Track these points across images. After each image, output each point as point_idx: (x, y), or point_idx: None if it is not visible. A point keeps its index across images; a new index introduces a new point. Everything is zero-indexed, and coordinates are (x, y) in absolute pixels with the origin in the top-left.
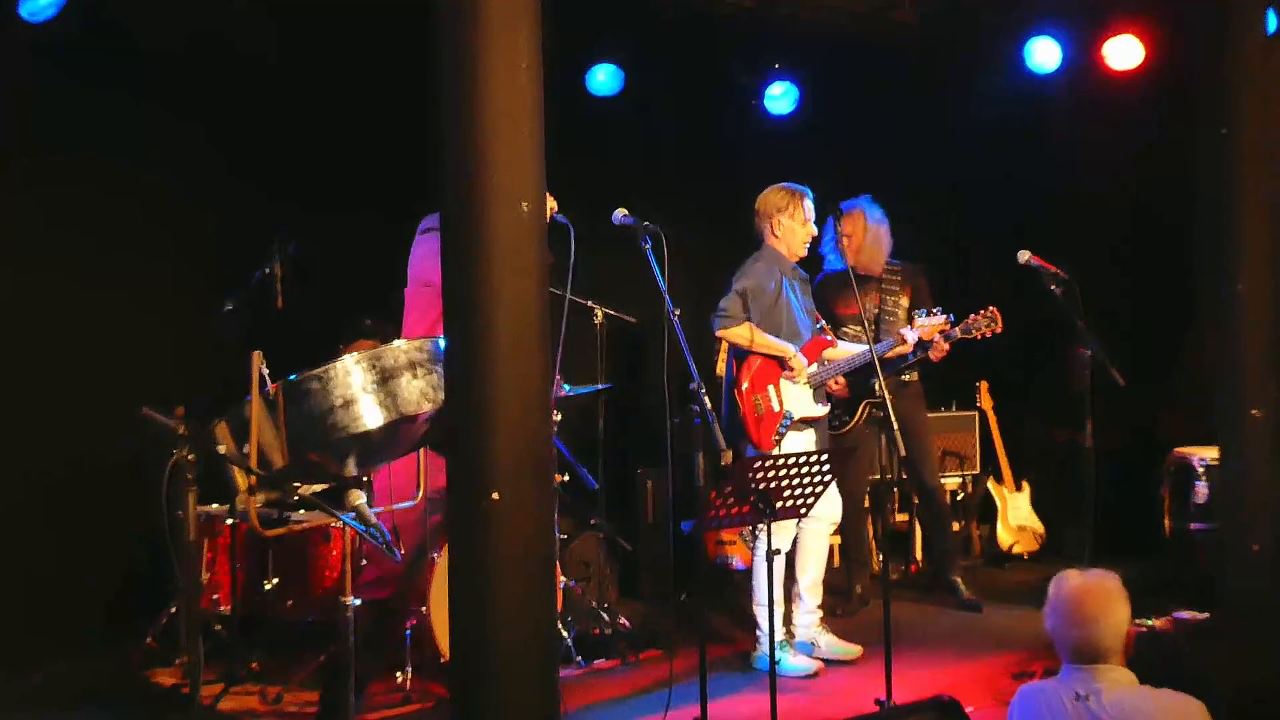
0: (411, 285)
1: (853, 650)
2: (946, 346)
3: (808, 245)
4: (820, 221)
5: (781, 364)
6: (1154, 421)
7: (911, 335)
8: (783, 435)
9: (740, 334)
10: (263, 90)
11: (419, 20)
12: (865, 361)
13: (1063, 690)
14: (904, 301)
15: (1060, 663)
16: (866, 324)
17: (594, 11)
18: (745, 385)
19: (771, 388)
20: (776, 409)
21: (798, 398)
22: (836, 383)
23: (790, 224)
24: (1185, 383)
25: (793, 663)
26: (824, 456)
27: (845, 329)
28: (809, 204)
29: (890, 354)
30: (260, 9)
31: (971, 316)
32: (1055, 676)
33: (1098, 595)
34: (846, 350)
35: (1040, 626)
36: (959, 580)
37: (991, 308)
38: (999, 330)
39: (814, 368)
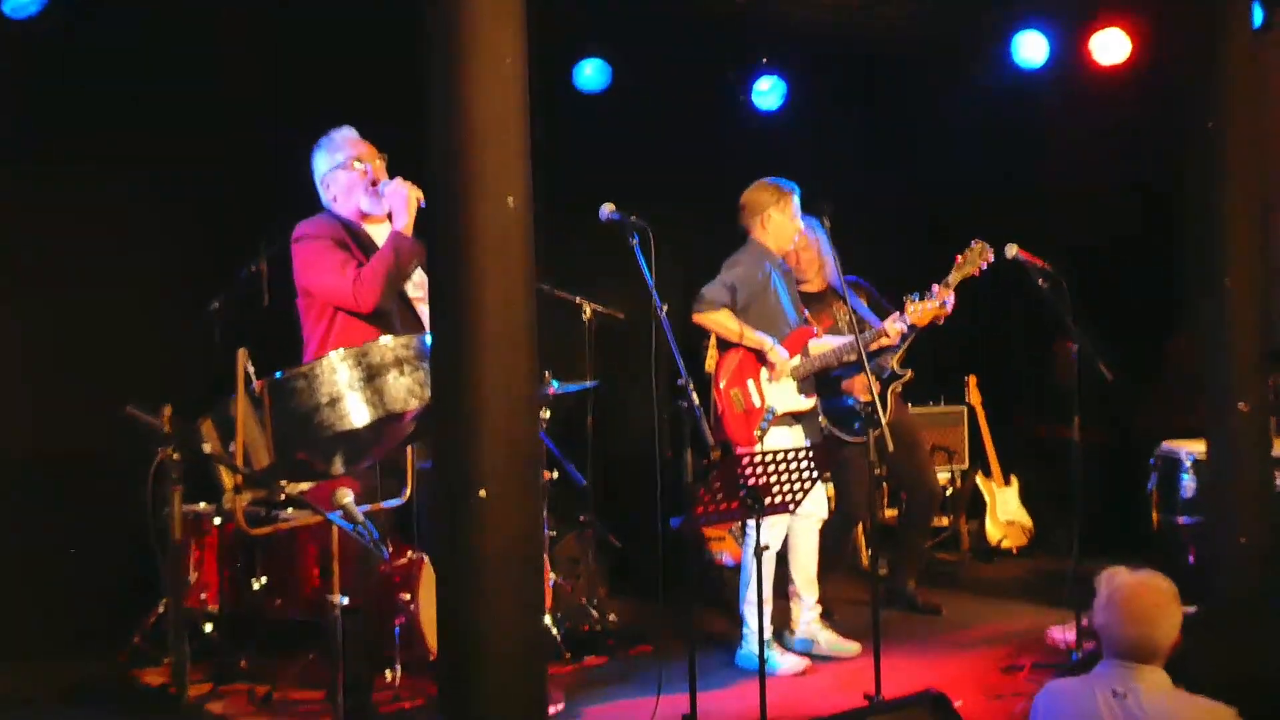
0: (299, 298)
1: (852, 647)
2: (950, 304)
3: (794, 240)
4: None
5: (761, 358)
6: (1141, 415)
7: (899, 324)
8: (765, 431)
9: (717, 319)
10: (251, 86)
11: (406, 13)
12: (850, 353)
13: (1097, 686)
14: (864, 304)
15: (1047, 660)
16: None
17: (581, 6)
18: (723, 382)
19: (751, 382)
20: (757, 404)
21: (780, 392)
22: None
23: (780, 219)
24: (1173, 377)
25: (780, 661)
26: (812, 452)
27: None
28: (796, 200)
29: (874, 345)
30: (250, 4)
31: (958, 257)
32: (1087, 673)
33: (1158, 594)
34: (831, 342)
35: (1028, 621)
36: (913, 586)
37: (976, 241)
38: (990, 259)
39: (797, 360)
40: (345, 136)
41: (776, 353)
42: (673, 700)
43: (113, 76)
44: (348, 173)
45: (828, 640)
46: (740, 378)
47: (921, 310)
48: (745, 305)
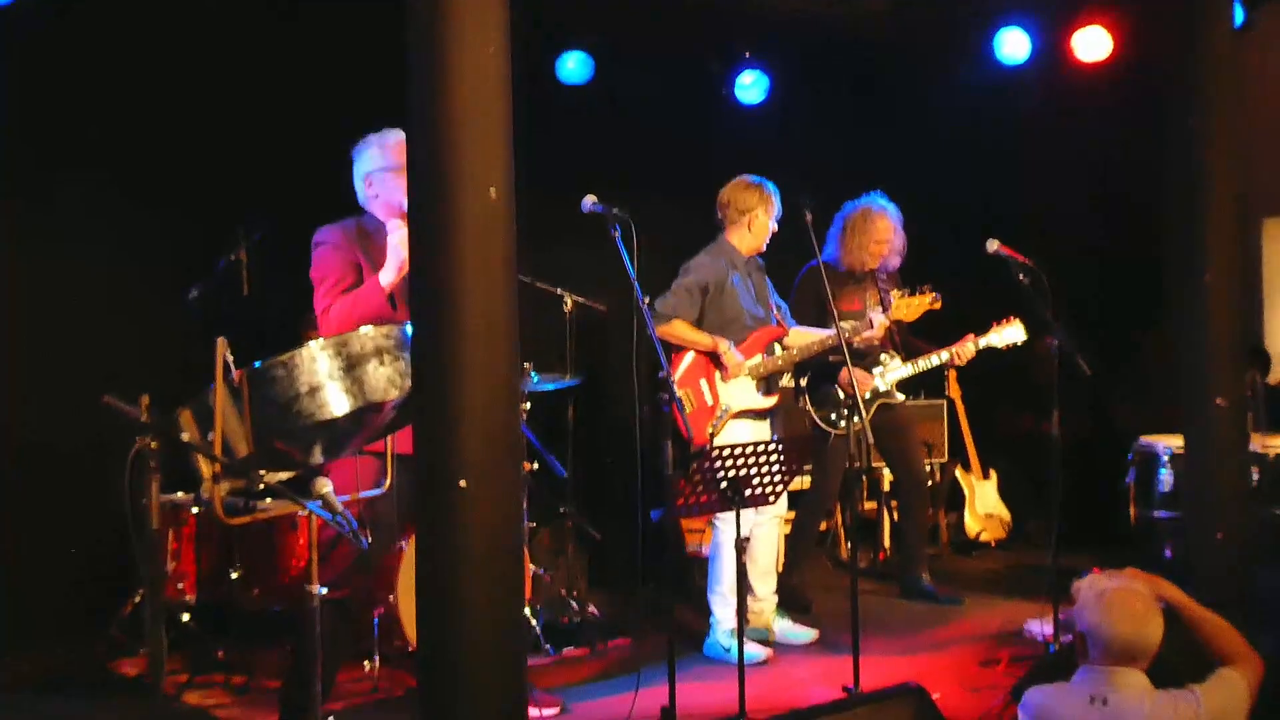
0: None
1: (809, 633)
2: (971, 351)
3: (767, 241)
4: (787, 214)
5: (715, 359)
6: (1120, 410)
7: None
8: (718, 429)
9: (670, 331)
10: (233, 77)
11: (389, 3)
12: (827, 349)
13: (1076, 693)
14: (891, 301)
15: (1024, 653)
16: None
17: None
18: (673, 380)
19: (704, 381)
20: (710, 403)
21: (736, 390)
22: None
23: (764, 220)
24: (1151, 372)
25: (745, 650)
26: (788, 444)
27: (843, 323)
28: (778, 201)
29: (859, 339)
30: None
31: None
32: (1065, 681)
33: (1145, 598)
34: (808, 335)
35: (1006, 614)
36: (927, 578)
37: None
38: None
39: (758, 358)
40: (396, 140)
41: (730, 355)
42: (652, 692)
43: (91, 63)
44: (398, 176)
45: (782, 628)
46: (691, 377)
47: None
48: (701, 311)
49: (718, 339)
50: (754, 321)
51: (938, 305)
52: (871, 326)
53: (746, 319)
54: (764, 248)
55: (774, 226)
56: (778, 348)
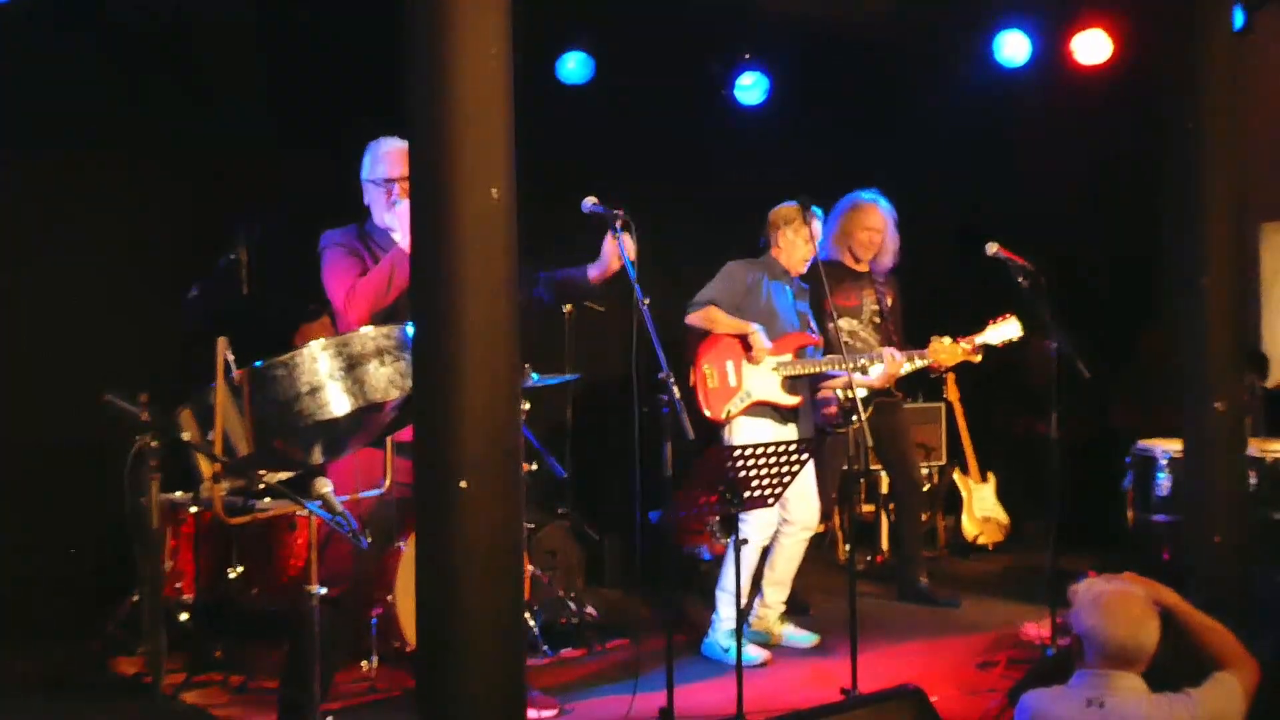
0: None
1: (811, 637)
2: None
3: (807, 263)
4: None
5: (745, 344)
6: (1118, 413)
7: (898, 355)
8: (734, 412)
9: (703, 316)
10: (229, 73)
11: (390, 4)
12: (842, 368)
13: (1073, 697)
14: (888, 303)
15: (1022, 655)
16: (865, 320)
17: None
18: (703, 358)
19: (730, 363)
20: (733, 384)
21: (760, 379)
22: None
23: (794, 239)
24: (1149, 375)
25: (744, 652)
26: (792, 447)
27: (840, 321)
28: (817, 225)
29: (873, 367)
30: None
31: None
32: (1063, 684)
33: (1142, 602)
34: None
35: (1004, 616)
36: (925, 580)
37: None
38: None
39: (787, 357)
40: (386, 151)
41: (758, 338)
42: (650, 694)
43: (89, 60)
44: (377, 188)
45: (784, 632)
46: (720, 356)
47: (945, 351)
48: (733, 309)
49: (748, 323)
50: (786, 326)
51: (976, 358)
52: (893, 360)
53: (781, 322)
54: (803, 269)
55: (813, 250)
56: (807, 354)
